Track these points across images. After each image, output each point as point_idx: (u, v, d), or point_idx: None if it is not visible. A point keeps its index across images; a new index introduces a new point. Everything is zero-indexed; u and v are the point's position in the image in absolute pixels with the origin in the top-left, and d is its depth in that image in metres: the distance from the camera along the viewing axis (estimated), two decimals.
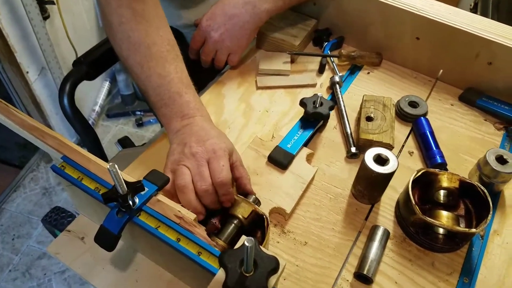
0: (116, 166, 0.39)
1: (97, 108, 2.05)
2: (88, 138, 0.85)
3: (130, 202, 0.43)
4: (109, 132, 2.05)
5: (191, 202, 0.53)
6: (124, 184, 0.41)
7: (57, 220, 1.11)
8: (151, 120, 2.11)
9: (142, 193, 0.45)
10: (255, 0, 0.75)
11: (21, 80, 1.58)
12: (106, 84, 2.11)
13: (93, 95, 2.06)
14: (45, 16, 1.55)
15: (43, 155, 1.90)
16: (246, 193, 0.59)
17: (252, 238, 0.35)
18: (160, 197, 0.47)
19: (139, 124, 2.08)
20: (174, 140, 0.59)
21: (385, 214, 0.63)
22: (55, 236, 1.31)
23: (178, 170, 0.54)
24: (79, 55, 1.77)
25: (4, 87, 1.60)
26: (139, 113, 2.12)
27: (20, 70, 1.55)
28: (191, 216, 0.46)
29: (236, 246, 0.42)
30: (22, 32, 1.51)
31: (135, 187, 0.43)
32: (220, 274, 0.41)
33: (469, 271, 0.57)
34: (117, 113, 2.12)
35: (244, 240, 0.36)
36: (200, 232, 0.44)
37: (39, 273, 1.55)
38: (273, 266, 0.39)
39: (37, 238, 1.64)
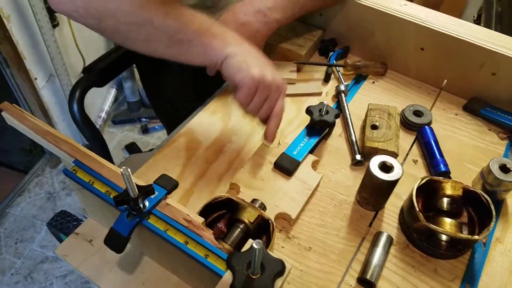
0: (129, 170, 0.40)
1: (103, 114, 2.07)
2: (97, 144, 0.86)
3: (141, 205, 0.44)
4: (115, 139, 2.07)
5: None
6: (136, 187, 0.42)
7: (63, 224, 1.12)
8: (156, 127, 2.13)
9: (152, 196, 0.47)
10: (266, 9, 0.75)
11: (30, 86, 1.60)
12: (113, 91, 2.14)
13: (100, 102, 2.09)
14: (55, 24, 1.58)
15: (48, 160, 1.92)
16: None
17: (260, 241, 0.36)
18: (169, 201, 0.48)
19: (144, 130, 2.10)
20: (228, 54, 0.60)
21: (389, 221, 0.63)
22: (59, 240, 1.33)
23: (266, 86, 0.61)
24: (86, 63, 1.81)
25: (13, 93, 1.63)
26: (144, 119, 2.14)
27: (29, 77, 1.58)
28: (199, 219, 0.47)
29: (243, 249, 0.43)
30: (32, 39, 1.54)
31: (146, 191, 0.44)
32: (227, 276, 0.42)
33: (471, 278, 0.57)
34: (123, 119, 2.14)
35: (252, 242, 0.37)
36: (208, 235, 0.45)
37: (41, 277, 1.56)
38: (280, 269, 0.40)
39: (40, 242, 1.66)
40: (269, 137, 0.66)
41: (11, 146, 1.93)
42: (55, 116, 1.79)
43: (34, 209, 1.76)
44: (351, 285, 0.56)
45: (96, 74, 0.86)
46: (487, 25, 1.66)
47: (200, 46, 0.60)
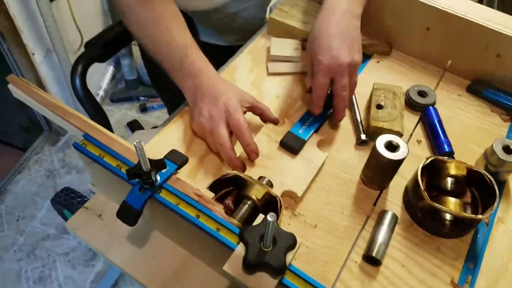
0: (142, 143, 0.40)
1: (101, 92, 2.06)
2: (100, 119, 0.86)
3: (153, 179, 0.44)
4: (113, 117, 2.06)
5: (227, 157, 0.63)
6: (148, 161, 0.42)
7: (67, 201, 1.12)
8: (155, 106, 2.11)
9: (163, 171, 0.47)
10: (350, 7, 0.70)
11: (27, 61, 1.58)
12: (110, 69, 2.11)
13: (97, 79, 2.07)
14: None
15: (47, 138, 1.91)
16: (272, 121, 0.69)
17: (274, 214, 0.37)
18: (180, 175, 0.48)
19: (143, 109, 2.09)
20: (190, 101, 0.68)
21: (393, 200, 0.64)
22: (63, 216, 1.33)
23: (207, 137, 0.65)
24: (84, 39, 1.78)
25: (10, 68, 1.60)
26: (143, 98, 2.13)
27: (26, 52, 1.55)
28: (209, 194, 0.47)
29: (255, 223, 0.44)
30: (29, 14, 1.51)
31: (158, 165, 0.44)
32: (239, 249, 0.42)
33: (474, 257, 0.58)
34: (121, 98, 2.12)
35: (266, 215, 0.38)
36: (219, 210, 0.46)
37: (43, 254, 1.58)
38: (291, 242, 0.41)
39: (41, 219, 1.66)
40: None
41: (9, 124, 1.91)
42: (53, 92, 1.77)
43: (35, 186, 1.76)
44: (356, 262, 0.57)
45: (99, 48, 0.85)
46: None
47: (175, 80, 0.69)
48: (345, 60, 0.64)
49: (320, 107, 0.69)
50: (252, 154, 0.63)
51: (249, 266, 0.40)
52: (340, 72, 0.65)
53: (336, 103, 0.68)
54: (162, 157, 0.47)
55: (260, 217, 0.45)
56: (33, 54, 1.59)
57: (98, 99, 2.03)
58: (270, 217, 0.37)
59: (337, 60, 0.64)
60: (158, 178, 0.46)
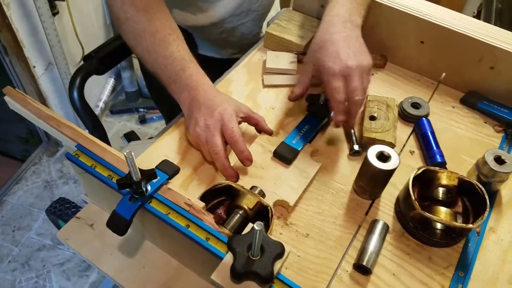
0: (132, 153, 0.41)
1: (101, 104, 2.07)
2: (97, 131, 0.87)
3: (143, 189, 0.45)
4: (112, 128, 2.07)
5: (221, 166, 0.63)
6: (139, 171, 0.43)
7: (62, 211, 1.12)
8: (154, 117, 2.13)
9: (154, 181, 0.47)
10: (350, 18, 0.71)
11: (28, 74, 1.60)
12: (111, 81, 2.13)
13: (98, 91, 2.08)
14: (54, 12, 1.57)
15: (45, 149, 1.92)
16: (266, 132, 0.70)
17: (261, 223, 0.37)
18: (171, 185, 0.49)
19: (142, 121, 2.10)
20: (186, 113, 0.68)
21: (385, 209, 0.65)
22: (58, 226, 1.33)
23: (202, 146, 0.65)
24: (85, 52, 1.80)
25: (11, 81, 1.62)
26: (142, 110, 2.14)
27: (28, 65, 1.57)
28: (200, 204, 0.48)
29: (244, 232, 0.44)
30: (31, 27, 1.53)
31: (148, 175, 0.45)
32: (228, 258, 0.43)
33: (464, 266, 0.58)
34: (121, 109, 2.14)
35: (253, 224, 0.38)
36: (209, 219, 0.46)
37: (38, 264, 1.57)
38: (279, 251, 0.41)
39: (37, 230, 1.66)
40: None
41: (8, 135, 1.93)
42: (53, 104, 1.79)
43: (31, 197, 1.77)
44: (347, 271, 0.57)
45: (97, 61, 0.86)
46: (487, 22, 1.67)
47: (173, 93, 0.70)
48: (353, 63, 0.64)
49: (342, 111, 0.65)
50: (246, 161, 0.64)
51: (237, 274, 0.40)
52: (350, 74, 0.64)
53: (350, 109, 0.65)
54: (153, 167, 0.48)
55: (249, 226, 0.46)
56: (34, 67, 1.61)
57: (98, 110, 2.05)
58: (258, 226, 0.37)
59: (346, 63, 0.64)
60: (149, 188, 0.46)
